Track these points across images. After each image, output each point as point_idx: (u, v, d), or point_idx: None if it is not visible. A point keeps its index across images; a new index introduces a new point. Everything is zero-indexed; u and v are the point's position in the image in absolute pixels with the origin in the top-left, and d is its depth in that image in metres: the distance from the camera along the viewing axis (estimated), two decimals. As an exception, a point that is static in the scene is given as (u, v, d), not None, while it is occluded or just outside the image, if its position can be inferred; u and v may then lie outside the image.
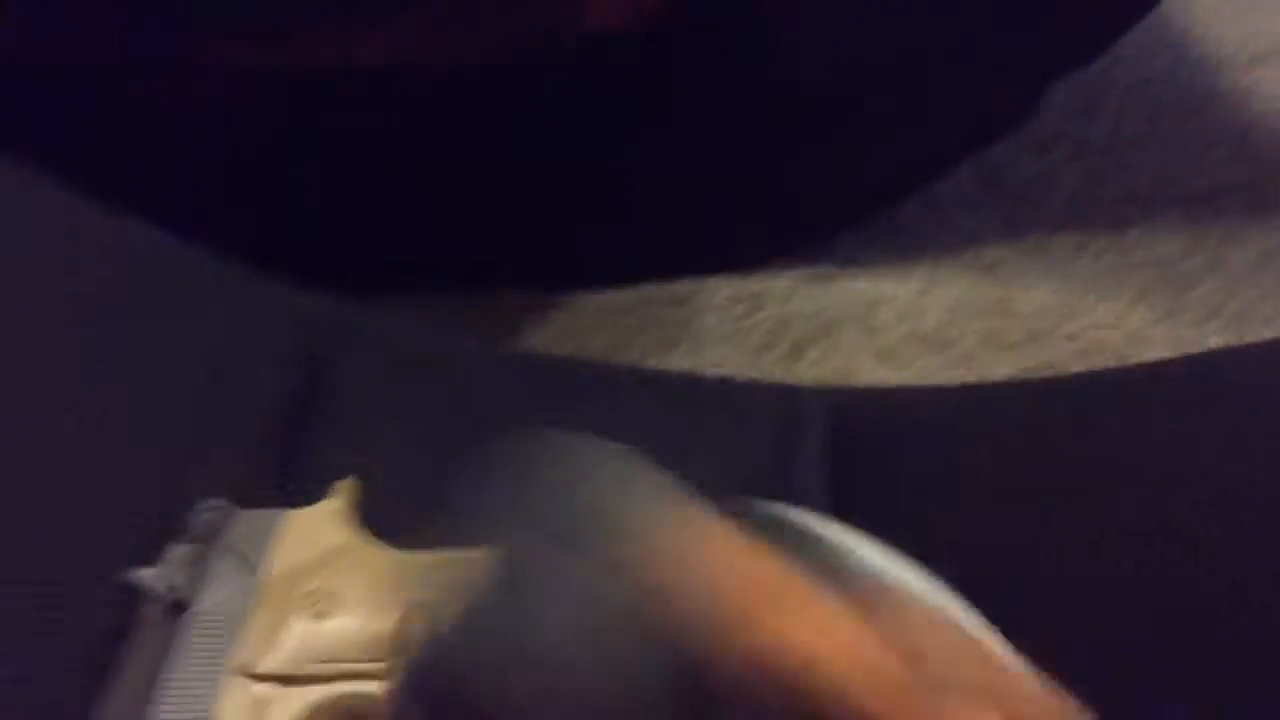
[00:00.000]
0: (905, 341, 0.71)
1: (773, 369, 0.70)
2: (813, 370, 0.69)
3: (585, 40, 0.63)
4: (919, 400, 0.46)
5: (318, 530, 0.35)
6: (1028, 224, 0.79)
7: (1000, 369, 0.69)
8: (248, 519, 0.35)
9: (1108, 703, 0.23)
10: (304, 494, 0.36)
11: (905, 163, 0.76)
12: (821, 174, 0.74)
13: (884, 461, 0.40)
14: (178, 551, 0.34)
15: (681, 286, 0.75)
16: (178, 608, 0.32)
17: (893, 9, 0.67)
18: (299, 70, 0.59)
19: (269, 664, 0.31)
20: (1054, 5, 0.68)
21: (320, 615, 0.32)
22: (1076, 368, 0.69)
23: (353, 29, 0.57)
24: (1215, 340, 0.70)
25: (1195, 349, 0.69)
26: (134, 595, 0.33)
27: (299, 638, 0.32)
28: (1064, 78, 0.75)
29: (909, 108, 0.71)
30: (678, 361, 0.70)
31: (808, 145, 0.72)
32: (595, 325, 0.72)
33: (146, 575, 0.33)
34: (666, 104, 0.69)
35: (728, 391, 0.46)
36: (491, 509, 0.26)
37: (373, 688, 0.31)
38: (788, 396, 0.43)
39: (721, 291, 0.74)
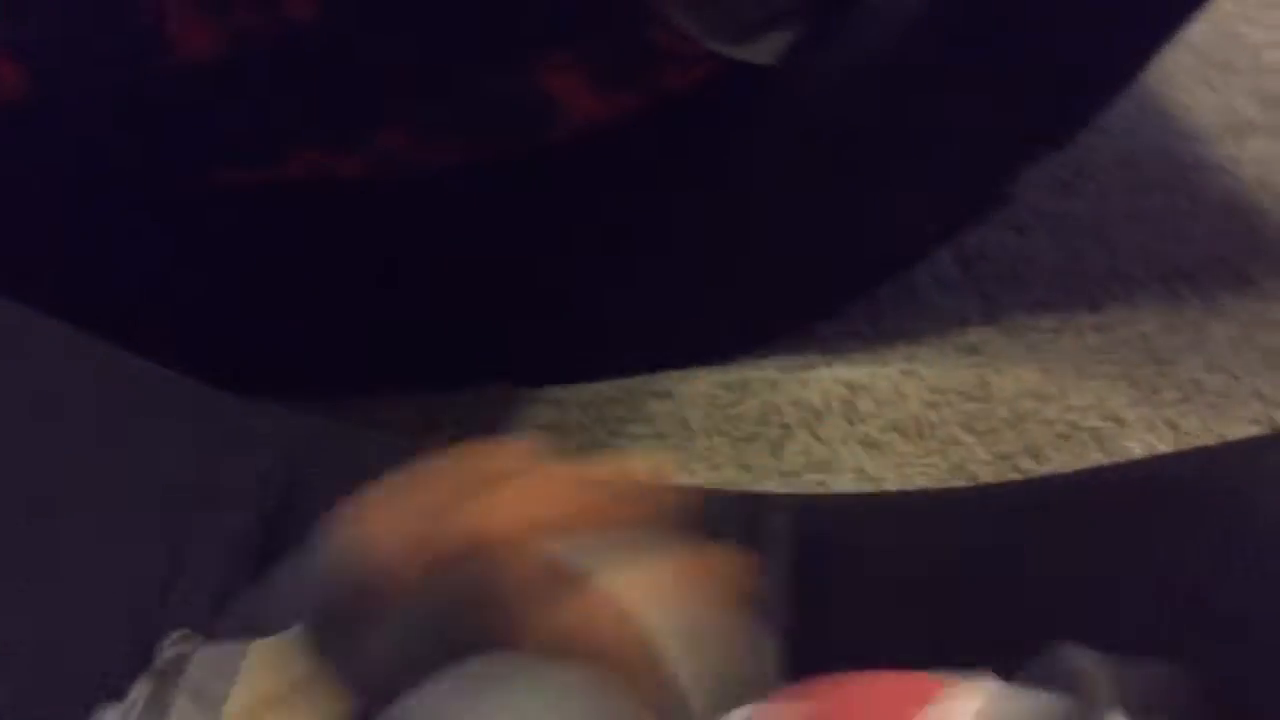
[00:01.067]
0: (886, 429, 0.71)
1: (758, 458, 0.70)
2: (797, 459, 0.70)
3: (565, 139, 0.64)
4: (880, 508, 0.47)
5: (282, 662, 0.35)
6: (1008, 304, 0.80)
7: (980, 454, 0.69)
8: (210, 654, 0.35)
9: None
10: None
11: (882, 249, 0.77)
12: (799, 265, 0.75)
13: (850, 570, 0.41)
14: (141, 689, 0.34)
15: (667, 378, 0.75)
16: (141, 747, 0.33)
17: (862, 100, 0.69)
18: (281, 187, 0.60)
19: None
20: (1024, 90, 0.69)
21: (281, 753, 0.33)
22: (1054, 451, 0.69)
23: (339, 147, 0.58)
24: (1193, 421, 0.70)
25: (1173, 432, 0.70)
26: (100, 734, 0.34)
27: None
28: (1039, 159, 0.76)
29: (883, 196, 0.73)
30: (668, 452, 0.70)
31: (785, 236, 0.74)
32: (582, 419, 0.73)
33: (109, 715, 0.34)
34: (647, 201, 0.70)
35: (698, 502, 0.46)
36: None
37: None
38: (756, 506, 0.44)
39: (705, 382, 0.75)
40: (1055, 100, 0.70)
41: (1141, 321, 0.79)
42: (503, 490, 0.30)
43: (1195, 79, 1.02)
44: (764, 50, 0.63)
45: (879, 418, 0.72)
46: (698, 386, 0.75)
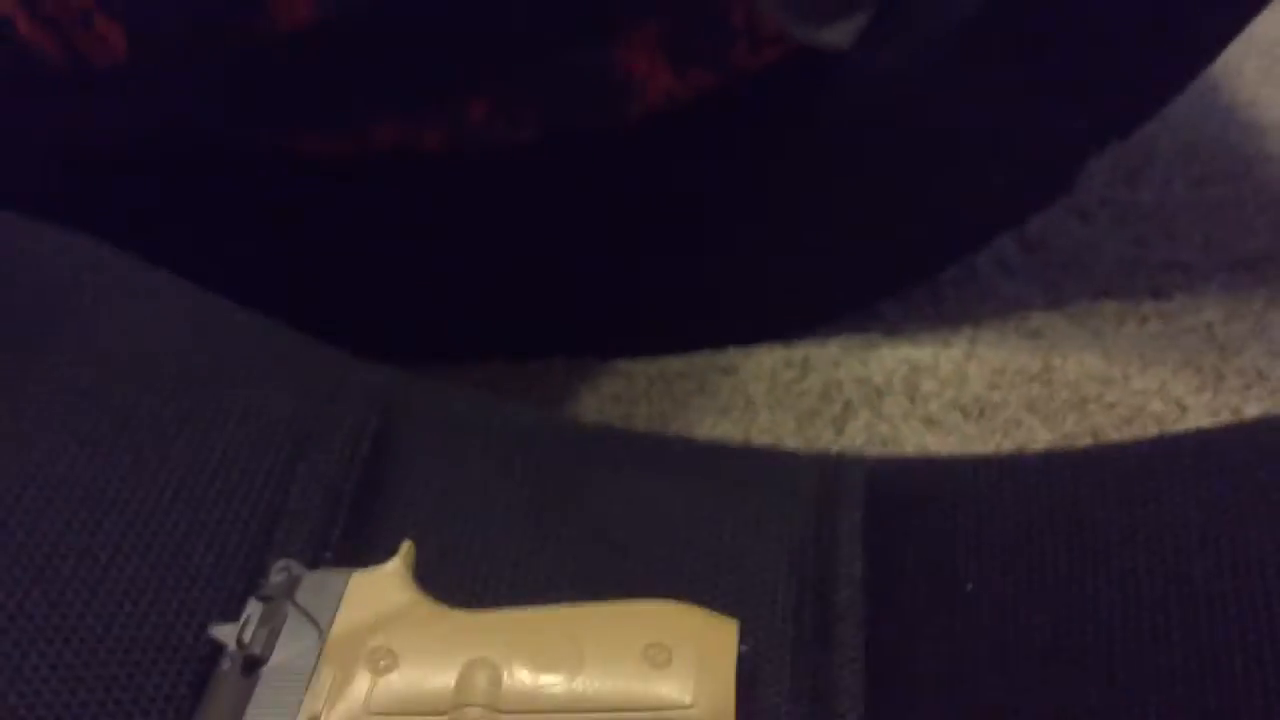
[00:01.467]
0: (948, 408, 0.72)
1: (820, 435, 0.71)
2: (860, 436, 0.71)
3: (639, 115, 0.66)
4: (956, 469, 0.48)
5: (380, 590, 0.37)
6: (1071, 291, 0.81)
7: (1042, 436, 0.70)
8: (316, 579, 0.37)
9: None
10: (369, 557, 0.39)
11: (945, 233, 0.78)
12: (862, 244, 0.76)
13: (922, 531, 0.42)
14: (253, 608, 0.36)
15: (731, 354, 0.77)
16: (252, 663, 0.35)
17: (931, 84, 0.70)
18: (363, 157, 0.62)
19: (335, 717, 0.34)
20: (1093, 78, 0.70)
21: (383, 670, 0.35)
22: (1118, 435, 0.70)
23: (423, 117, 0.60)
24: (1255, 409, 0.71)
25: (1236, 419, 0.70)
26: (215, 650, 0.36)
27: (363, 692, 0.34)
28: (1105, 148, 0.77)
29: (948, 180, 0.73)
30: (730, 427, 0.72)
31: (849, 215, 0.75)
32: (648, 391, 0.75)
33: (224, 630, 0.36)
34: (715, 179, 0.72)
35: (771, 461, 0.48)
36: None
37: (432, 740, 0.34)
38: (829, 466, 0.45)
39: (770, 358, 0.76)
40: (1127, 91, 0.71)
41: (1204, 310, 0.79)
42: None
43: (1259, 75, 1.02)
44: (840, 33, 0.64)
45: (941, 397, 0.73)
46: (762, 362, 0.76)
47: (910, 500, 0.43)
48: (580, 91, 0.64)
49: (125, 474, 0.40)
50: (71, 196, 0.49)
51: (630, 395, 0.76)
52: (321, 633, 0.35)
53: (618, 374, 0.76)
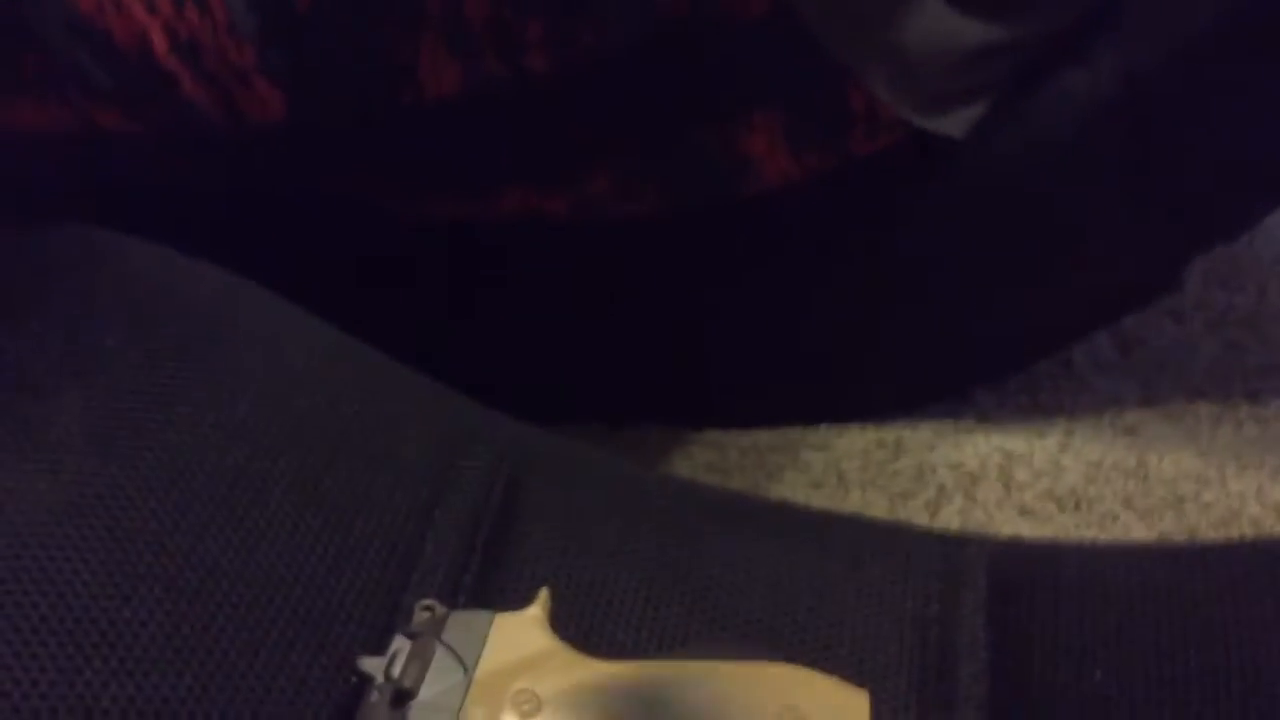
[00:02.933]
0: (1043, 499, 0.72)
1: (914, 518, 0.72)
2: (954, 521, 0.71)
3: (754, 195, 0.68)
4: (1079, 556, 0.48)
5: (523, 634, 0.38)
6: (1167, 390, 0.81)
7: (1139, 532, 0.70)
8: (462, 619, 0.38)
9: None
10: (503, 601, 0.40)
11: (1043, 326, 0.79)
12: (959, 334, 0.77)
13: (1045, 615, 0.42)
14: (400, 644, 0.37)
15: (823, 431, 0.78)
16: (401, 697, 0.36)
17: (1040, 181, 0.71)
18: (490, 221, 0.65)
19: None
20: (1207, 187, 0.71)
21: (527, 714, 0.35)
22: (1214, 534, 0.69)
23: (548, 187, 0.63)
24: (1358, 516, 0.70)
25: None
26: (362, 681, 0.37)
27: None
28: (1209, 251, 0.77)
29: (1049, 275, 0.74)
30: (823, 503, 0.72)
31: (950, 301, 0.76)
32: (740, 463, 0.76)
33: (371, 663, 0.37)
34: (819, 259, 0.73)
35: (890, 533, 0.48)
36: None
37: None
38: (951, 543, 0.46)
39: (862, 438, 0.77)
40: (1235, 199, 0.72)
41: (1304, 417, 0.79)
42: None
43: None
44: (954, 123, 0.66)
45: (1035, 487, 0.73)
46: (854, 441, 0.77)
47: (1031, 583, 0.43)
48: (699, 170, 0.66)
49: (276, 508, 0.41)
50: (224, 244, 0.52)
51: (723, 466, 0.77)
52: (468, 671, 0.36)
53: (710, 444, 0.77)
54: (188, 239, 0.53)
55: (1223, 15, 0.60)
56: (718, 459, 0.76)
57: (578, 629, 0.40)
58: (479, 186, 0.63)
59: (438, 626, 0.38)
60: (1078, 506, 0.72)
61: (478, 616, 0.38)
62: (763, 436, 0.77)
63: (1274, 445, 0.77)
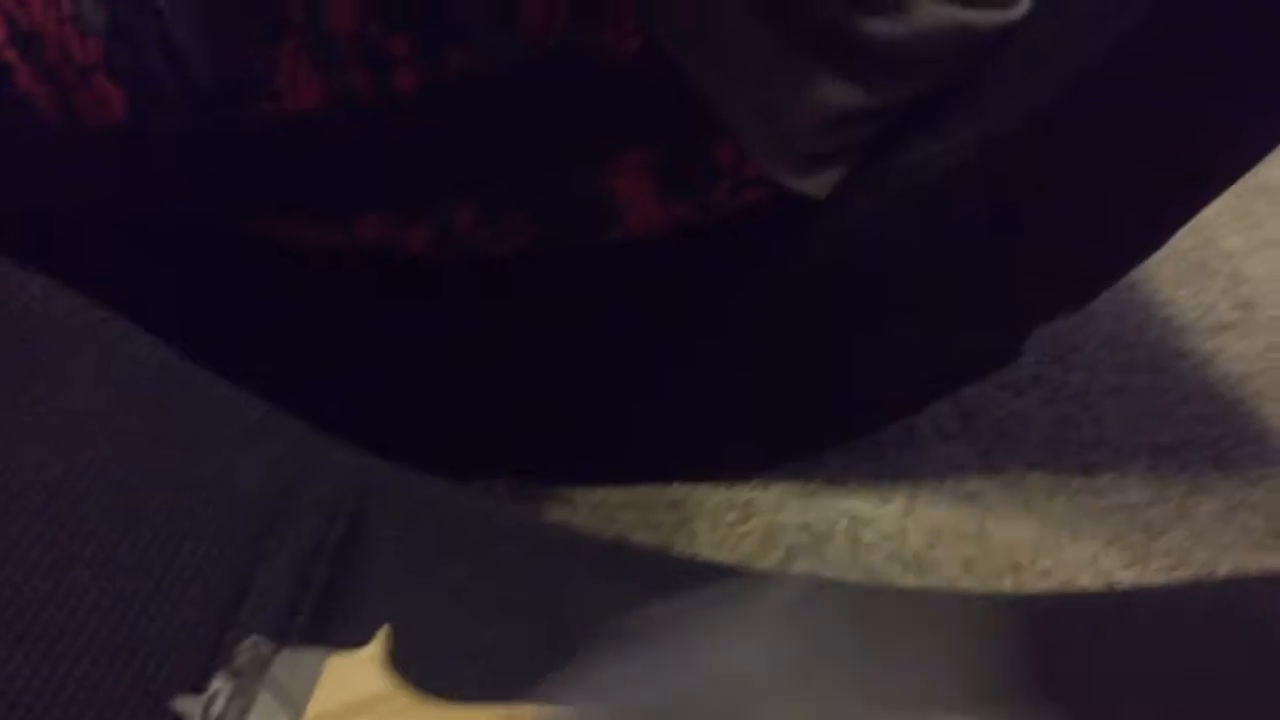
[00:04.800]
0: (889, 561, 0.73)
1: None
2: (799, 581, 0.71)
3: (617, 242, 0.67)
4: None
5: (358, 675, 0.35)
6: (1005, 460, 0.83)
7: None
8: (291, 658, 0.35)
9: None
10: (337, 640, 0.37)
11: (888, 395, 0.80)
12: (810, 397, 0.77)
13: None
14: (221, 683, 0.34)
15: (675, 490, 0.77)
16: (222, 739, 0.33)
17: (898, 243, 0.72)
18: (347, 250, 0.62)
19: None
20: (1046, 255, 0.73)
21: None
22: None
23: (408, 217, 0.60)
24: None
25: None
26: (177, 722, 0.33)
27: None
28: (1050, 323, 0.80)
29: (899, 344, 0.76)
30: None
31: (795, 370, 0.76)
32: (590, 520, 0.74)
33: (189, 702, 0.34)
34: (673, 314, 0.73)
35: (752, 583, 0.47)
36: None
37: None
38: (810, 588, 0.45)
39: (713, 498, 0.76)
40: (1093, 257, 0.73)
41: (1130, 490, 0.81)
42: None
43: (1174, 279, 1.08)
44: (819, 184, 0.67)
45: (882, 548, 0.73)
46: (705, 500, 0.76)
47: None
48: (564, 209, 0.64)
49: (94, 529, 0.38)
50: (60, 251, 0.48)
51: (574, 522, 0.75)
52: (297, 713, 0.33)
53: (560, 500, 0.75)
54: (38, 249, 0.49)
55: (1069, 91, 0.62)
56: (568, 515, 0.74)
57: (420, 671, 0.37)
58: (338, 211, 0.61)
59: (263, 665, 0.35)
60: (921, 569, 0.72)
61: (308, 655, 0.36)
62: (614, 493, 0.76)
63: (1104, 516, 0.79)
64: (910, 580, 0.71)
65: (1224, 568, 0.75)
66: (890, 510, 0.77)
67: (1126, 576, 0.74)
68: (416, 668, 0.37)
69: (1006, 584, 0.72)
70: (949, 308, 0.73)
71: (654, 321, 0.72)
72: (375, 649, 0.36)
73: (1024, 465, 0.83)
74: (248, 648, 0.35)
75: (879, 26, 0.60)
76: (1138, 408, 0.90)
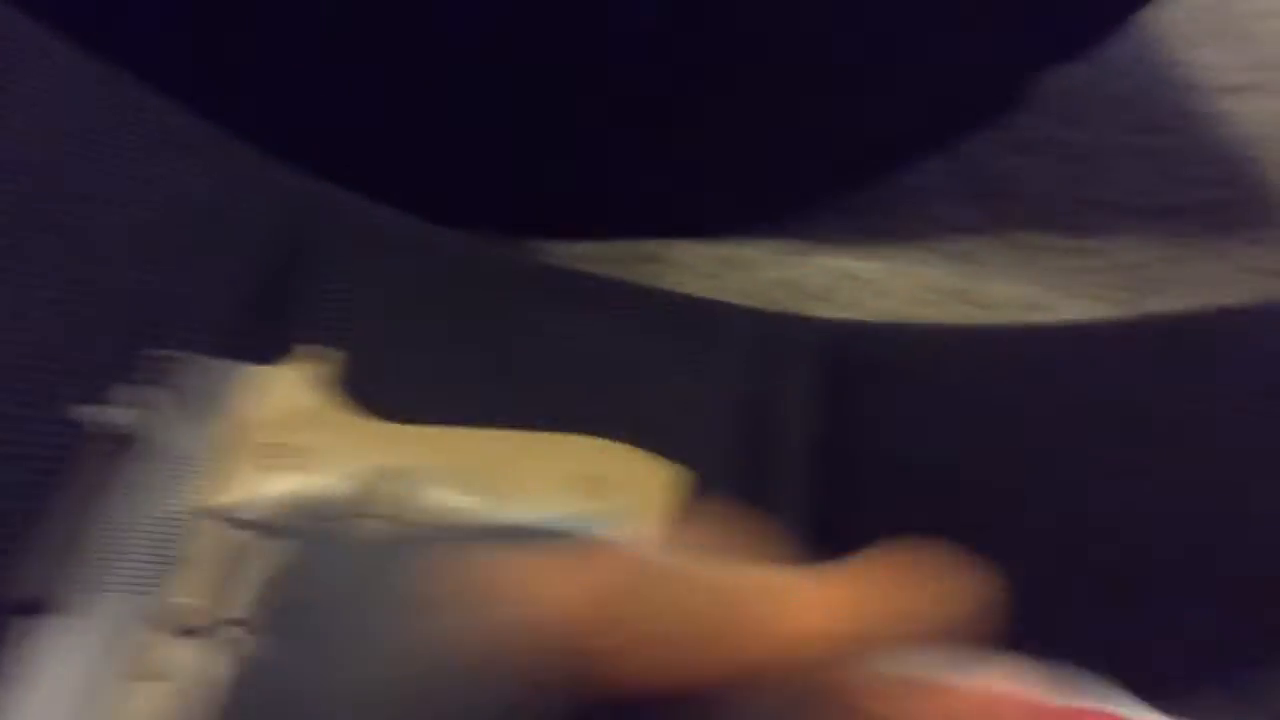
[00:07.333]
0: (874, 318, 0.70)
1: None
2: (780, 337, 0.68)
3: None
4: (920, 336, 0.45)
5: (283, 388, 0.33)
6: (1002, 218, 0.80)
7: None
8: (201, 366, 0.33)
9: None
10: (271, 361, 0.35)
11: (877, 145, 0.76)
12: (792, 149, 0.73)
13: (880, 396, 0.39)
14: (125, 391, 0.32)
15: (652, 245, 0.73)
16: (124, 443, 0.30)
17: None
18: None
19: (221, 508, 0.29)
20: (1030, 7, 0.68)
21: (279, 468, 0.30)
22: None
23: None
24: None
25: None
26: (84, 429, 0.31)
27: (255, 486, 0.30)
28: (1046, 75, 0.75)
29: (882, 92, 0.71)
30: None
31: (779, 118, 0.72)
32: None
33: (91, 410, 0.31)
34: (658, 58, 0.68)
35: (719, 313, 0.44)
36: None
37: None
38: (785, 324, 0.42)
39: (691, 253, 0.73)
40: (1070, 12, 0.69)
41: (1131, 250, 0.79)
42: (794, 599, 0.22)
43: (1191, 37, 1.03)
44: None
45: (865, 306, 0.71)
46: (684, 255, 0.73)
47: (871, 362, 0.40)
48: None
49: (33, 252, 0.34)
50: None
51: (544, 275, 0.72)
52: (206, 420, 0.31)
53: (531, 254, 0.72)
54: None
55: None
56: (539, 267, 0.71)
57: (360, 395, 0.35)
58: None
59: (178, 374, 0.32)
60: (907, 327, 0.70)
61: (222, 365, 0.33)
62: (589, 248, 0.73)
63: (1099, 275, 0.76)
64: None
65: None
66: (876, 267, 0.74)
67: (1119, 336, 0.72)
68: (355, 394, 0.35)
69: (995, 342, 0.70)
70: (919, 61, 0.68)
71: (628, 70, 0.68)
72: (301, 364, 0.34)
73: (1022, 223, 0.79)
74: (159, 360, 0.33)
75: None
76: (1145, 168, 0.86)
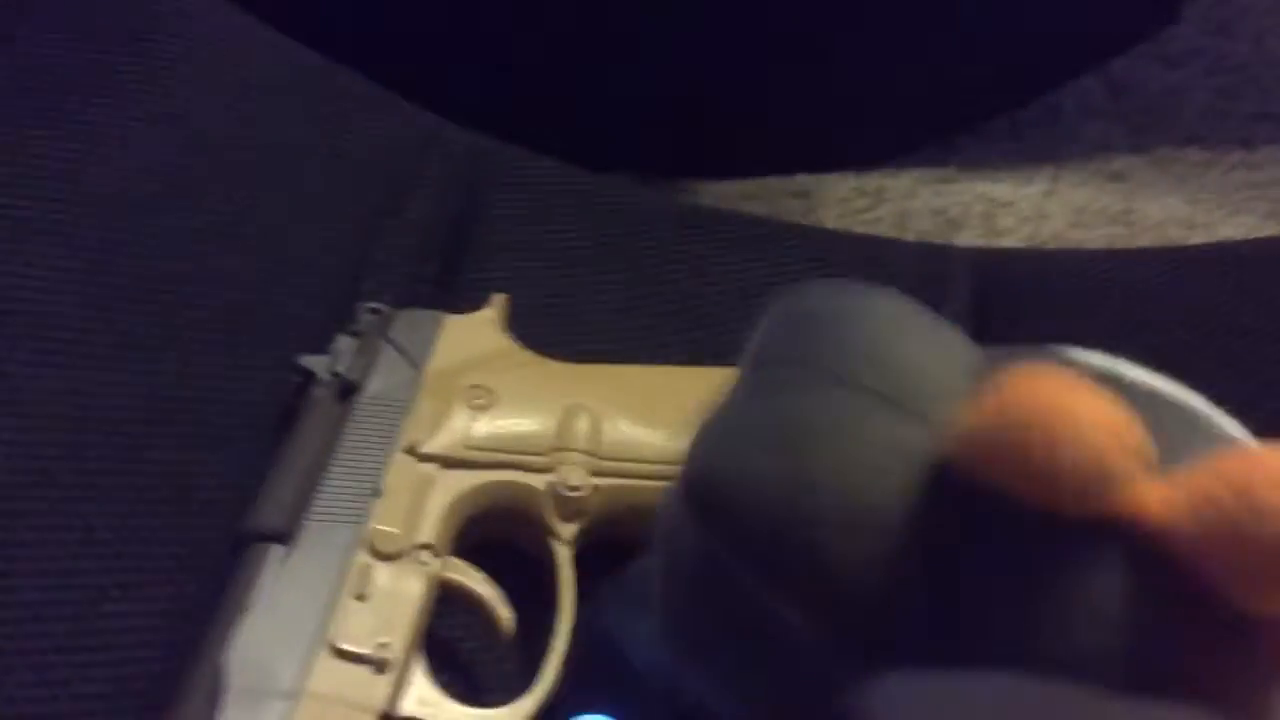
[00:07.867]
0: (1029, 243, 0.70)
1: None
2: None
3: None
4: (1067, 261, 0.46)
5: (475, 334, 0.36)
6: (1156, 136, 0.78)
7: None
8: (409, 318, 0.36)
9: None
10: (458, 307, 0.38)
11: (1027, 67, 0.75)
12: (940, 75, 0.73)
13: (1029, 318, 0.40)
14: (344, 342, 0.35)
15: (801, 180, 0.74)
16: (347, 390, 0.34)
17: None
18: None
19: (434, 446, 0.32)
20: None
21: (482, 408, 0.33)
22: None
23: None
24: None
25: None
26: (306, 378, 0.35)
27: (463, 426, 0.33)
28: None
29: (1032, 11, 0.70)
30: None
31: (927, 44, 0.72)
32: (714, 211, 0.73)
33: (314, 360, 0.35)
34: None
35: (875, 247, 0.46)
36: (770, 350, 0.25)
37: (530, 479, 0.33)
38: (933, 253, 0.43)
39: (842, 186, 0.74)
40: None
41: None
42: None
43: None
44: None
45: (1019, 232, 0.71)
46: (833, 189, 0.74)
47: (1019, 287, 0.41)
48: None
49: (214, 205, 0.38)
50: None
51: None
52: (417, 367, 0.34)
53: (686, 193, 0.74)
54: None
55: None
56: (694, 207, 0.73)
57: (539, 337, 0.37)
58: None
59: (384, 326, 0.35)
60: (1061, 251, 0.70)
61: (427, 316, 0.36)
62: (742, 186, 0.74)
63: (1262, 189, 0.74)
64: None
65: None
66: (1030, 193, 0.74)
67: (1284, 251, 0.70)
68: (534, 334, 0.37)
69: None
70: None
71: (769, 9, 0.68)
72: (492, 312, 0.37)
73: (1177, 141, 0.78)
74: (369, 310, 0.36)
75: None
76: (1308, 77, 0.83)
